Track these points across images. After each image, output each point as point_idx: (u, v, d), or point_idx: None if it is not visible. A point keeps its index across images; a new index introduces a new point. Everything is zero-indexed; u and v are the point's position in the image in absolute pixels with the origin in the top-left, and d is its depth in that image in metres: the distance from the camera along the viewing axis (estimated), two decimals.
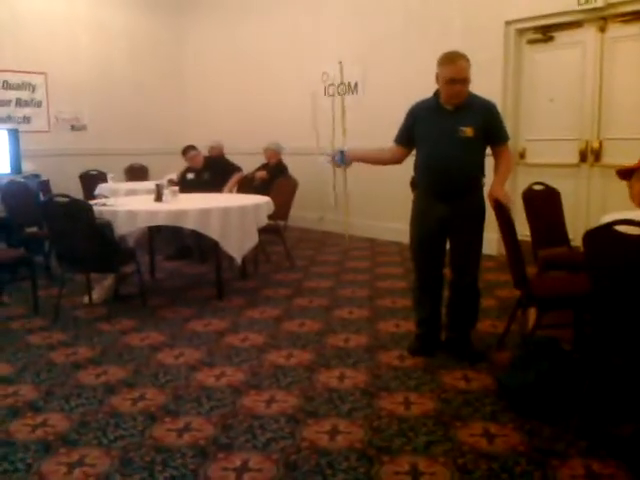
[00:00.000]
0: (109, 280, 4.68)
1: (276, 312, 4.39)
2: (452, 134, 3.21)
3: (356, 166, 3.81)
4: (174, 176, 6.60)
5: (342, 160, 3.56)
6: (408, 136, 3.37)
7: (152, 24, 9.48)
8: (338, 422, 2.67)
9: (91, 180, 7.42)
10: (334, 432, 2.58)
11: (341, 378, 3.18)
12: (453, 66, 3.14)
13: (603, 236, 2.33)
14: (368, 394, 2.97)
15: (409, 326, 3.85)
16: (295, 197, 5.98)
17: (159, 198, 4.86)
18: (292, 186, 5.94)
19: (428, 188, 3.32)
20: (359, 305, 4.52)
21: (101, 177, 7.37)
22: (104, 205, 4.57)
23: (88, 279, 4.54)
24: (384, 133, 3.57)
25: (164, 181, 5.78)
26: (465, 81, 3.17)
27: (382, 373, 3.23)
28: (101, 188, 6.61)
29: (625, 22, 5.28)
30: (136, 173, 8.54)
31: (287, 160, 7.14)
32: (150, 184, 6.18)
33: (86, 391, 3.06)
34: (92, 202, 4.57)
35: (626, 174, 2.87)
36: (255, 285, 5.20)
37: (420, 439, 2.52)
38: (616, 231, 2.29)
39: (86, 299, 4.59)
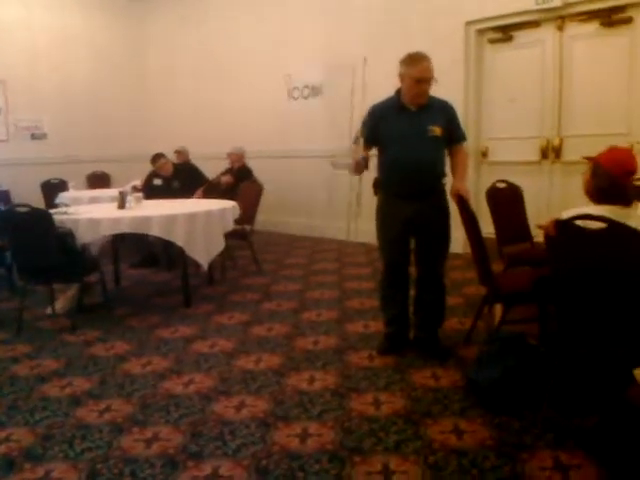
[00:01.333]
0: (73, 290, 4.58)
1: (244, 317, 4.36)
2: (421, 134, 3.24)
3: (322, 168, 3.81)
4: (138, 182, 6.51)
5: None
6: (374, 137, 3.37)
7: (113, 29, 9.36)
8: (309, 425, 2.66)
9: (52, 189, 7.27)
10: (305, 435, 2.57)
11: (311, 380, 3.17)
12: (420, 66, 3.18)
13: (564, 231, 2.37)
14: (338, 395, 2.97)
15: (378, 326, 3.86)
16: (261, 201, 5.95)
17: (122, 205, 4.79)
18: (257, 190, 5.91)
19: (396, 188, 3.32)
20: (327, 307, 4.51)
21: (62, 186, 7.23)
22: (65, 214, 4.48)
23: (51, 290, 4.44)
24: (348, 135, 3.57)
25: (128, 188, 5.69)
26: (430, 81, 3.21)
27: (352, 374, 3.23)
28: (62, 197, 6.48)
29: (582, 21, 5.39)
30: (99, 181, 8.39)
31: (252, 164, 7.11)
32: (113, 191, 6.08)
33: (51, 404, 2.99)
34: (53, 211, 4.47)
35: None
36: (223, 291, 5.16)
37: (391, 438, 2.52)
38: (575, 225, 2.33)
39: (49, 310, 4.49)
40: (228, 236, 4.97)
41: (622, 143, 5.04)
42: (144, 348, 3.78)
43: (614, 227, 2.19)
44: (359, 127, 3.42)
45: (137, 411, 2.88)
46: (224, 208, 4.83)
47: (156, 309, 4.66)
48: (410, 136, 3.25)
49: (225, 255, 5.48)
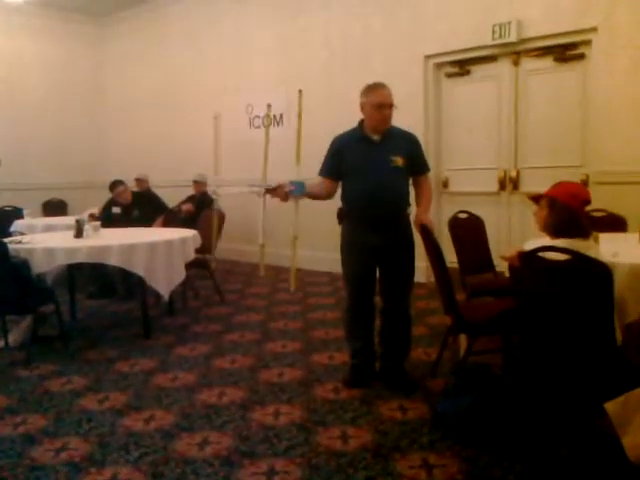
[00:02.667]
0: (26, 321, 4.41)
1: (206, 349, 4.26)
2: (383, 164, 3.26)
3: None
4: (95, 210, 6.37)
5: (302, 191, 3.33)
6: (338, 169, 3.37)
7: (70, 54, 9.26)
8: (275, 461, 2.59)
9: (6, 216, 7.05)
10: (271, 473, 2.50)
11: (276, 415, 3.10)
12: (380, 92, 3.25)
13: (527, 262, 2.40)
14: (305, 430, 2.90)
15: (343, 357, 3.82)
16: (223, 229, 5.89)
17: (79, 234, 4.66)
18: (219, 218, 5.85)
19: (360, 219, 3.32)
20: (292, 338, 4.46)
21: (16, 213, 7.03)
22: (20, 243, 4.33)
23: (3, 321, 4.27)
24: (310, 165, 3.56)
25: (85, 216, 5.56)
26: (392, 106, 3.27)
27: (318, 407, 3.17)
28: (17, 225, 6.29)
29: (537, 56, 5.57)
30: (54, 208, 8.20)
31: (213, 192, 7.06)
32: (70, 219, 5.92)
33: (3, 443, 2.84)
34: (7, 240, 4.32)
35: (537, 199, 2.98)
36: (184, 321, 5.05)
37: (360, 474, 2.47)
38: (539, 257, 2.36)
39: (2, 343, 4.31)
40: (189, 265, 4.89)
41: (576, 175, 5.22)
42: (102, 383, 3.64)
43: (578, 259, 2.23)
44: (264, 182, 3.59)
45: (95, 450, 2.75)
46: (185, 237, 4.75)
47: (114, 341, 4.52)
48: (373, 166, 3.27)
49: (186, 285, 5.38)
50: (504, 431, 2.68)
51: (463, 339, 3.57)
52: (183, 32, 8.56)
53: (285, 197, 3.30)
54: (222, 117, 8.05)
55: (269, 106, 4.80)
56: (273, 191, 3.32)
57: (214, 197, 5.42)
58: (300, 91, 3.82)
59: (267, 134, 4.17)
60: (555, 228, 2.59)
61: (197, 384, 3.57)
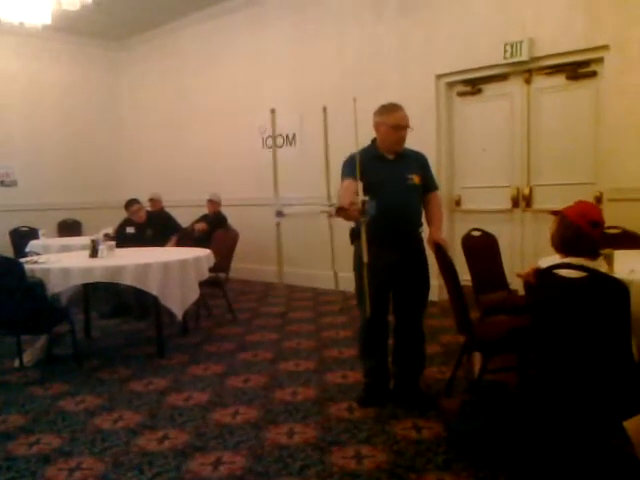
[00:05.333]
0: (41, 341, 4.44)
1: (220, 368, 4.26)
2: (402, 182, 3.29)
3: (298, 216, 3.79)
4: (110, 230, 6.41)
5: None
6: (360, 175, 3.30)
7: (86, 78, 9.41)
8: None
9: (22, 237, 7.14)
10: None
11: (290, 434, 3.08)
12: (397, 114, 3.29)
13: (544, 279, 2.39)
14: (319, 449, 2.88)
15: (357, 376, 3.80)
16: (236, 249, 5.91)
17: (94, 254, 4.70)
18: (232, 238, 5.88)
19: (377, 237, 3.29)
20: (305, 357, 4.44)
21: (32, 233, 7.10)
22: (36, 263, 4.38)
23: (19, 341, 4.29)
24: (322, 185, 3.57)
25: (100, 236, 5.60)
26: (407, 128, 3.30)
27: (332, 426, 3.15)
28: (32, 245, 6.35)
29: (549, 74, 5.59)
30: (70, 228, 8.28)
31: (228, 211, 7.10)
32: (85, 239, 5.98)
33: (18, 462, 2.84)
34: (23, 260, 4.37)
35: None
36: (197, 341, 5.05)
37: None
38: (555, 274, 2.35)
39: (17, 362, 4.32)
40: (202, 284, 4.90)
41: (589, 192, 5.20)
42: (115, 402, 3.65)
43: (596, 276, 2.21)
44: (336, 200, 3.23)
45: (109, 470, 2.75)
46: (199, 256, 4.78)
47: (128, 360, 4.53)
48: (391, 185, 3.28)
49: (200, 304, 5.40)
50: (520, 451, 2.65)
51: (477, 357, 3.54)
52: (198, 54, 8.68)
53: (358, 216, 2.99)
54: (235, 138, 8.12)
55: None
56: (344, 211, 2.97)
57: (278, 218, 5.06)
58: (325, 109, 3.83)
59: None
60: (561, 245, 2.59)
61: (211, 403, 3.57)
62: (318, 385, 3.81)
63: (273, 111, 5.74)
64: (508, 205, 5.92)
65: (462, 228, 4.83)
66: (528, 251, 5.68)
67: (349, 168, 3.27)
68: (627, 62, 4.96)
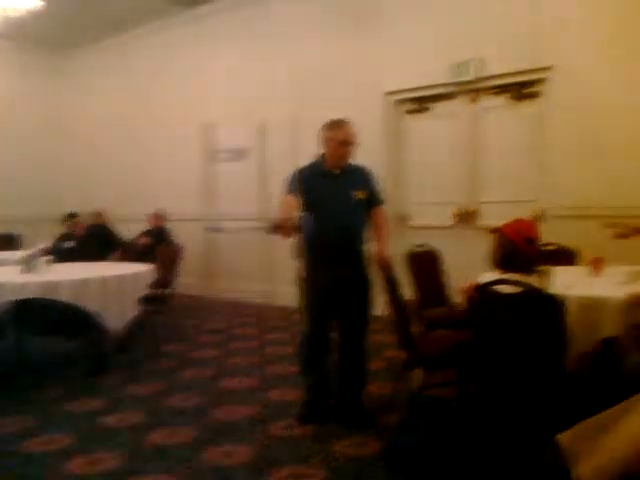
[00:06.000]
0: None
1: (159, 386, 4.13)
2: (346, 198, 3.28)
3: (245, 231, 3.74)
4: (47, 244, 6.19)
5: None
6: (301, 193, 3.22)
7: (28, 86, 9.13)
8: None
9: None
10: None
11: (228, 454, 3.00)
12: (344, 129, 3.29)
13: (482, 295, 2.40)
14: (256, 470, 2.81)
15: (298, 393, 3.74)
16: (180, 264, 5.79)
17: (29, 269, 4.52)
18: (176, 252, 5.75)
19: (322, 252, 3.28)
20: (248, 374, 4.36)
21: None
22: None
23: None
24: (262, 200, 3.53)
25: (36, 250, 5.39)
26: (354, 144, 3.30)
27: (271, 445, 3.08)
28: None
29: (494, 94, 5.72)
30: (5, 242, 7.95)
31: (172, 226, 6.98)
32: (21, 253, 5.75)
33: None
34: None
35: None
36: (137, 358, 4.89)
37: None
38: (493, 290, 2.36)
39: None
40: (144, 301, 4.76)
41: (532, 209, 5.32)
42: (46, 423, 3.48)
43: (532, 291, 2.24)
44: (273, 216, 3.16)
45: None
46: (138, 272, 4.65)
47: (61, 380, 4.35)
48: (336, 200, 3.27)
49: (141, 320, 5.24)
50: (458, 465, 2.64)
51: (419, 373, 3.54)
52: (143, 68, 8.56)
53: (292, 234, 2.98)
54: (180, 152, 8.00)
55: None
56: (281, 228, 2.89)
57: (212, 233, 4.88)
58: (264, 125, 3.81)
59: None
60: (499, 261, 2.63)
61: (147, 424, 3.44)
62: (259, 403, 3.74)
63: (211, 125, 5.70)
64: (454, 221, 5.99)
65: (410, 244, 4.84)
66: (473, 267, 5.72)
67: (292, 184, 3.25)
68: (569, 83, 5.11)
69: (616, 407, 1.96)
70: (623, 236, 2.35)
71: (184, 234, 6.87)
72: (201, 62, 7.85)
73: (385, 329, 5.31)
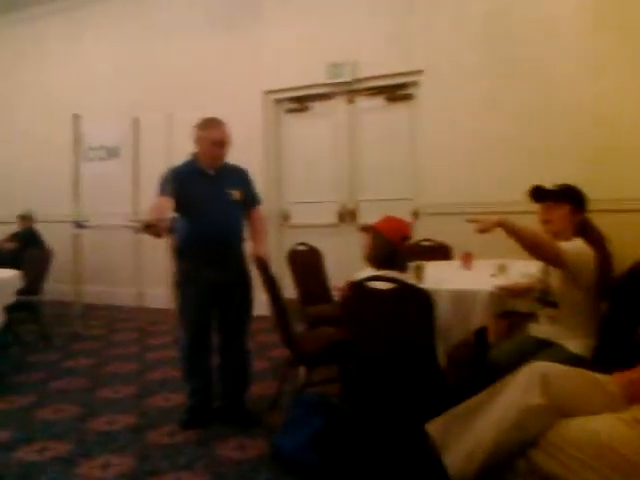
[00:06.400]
0: None
1: (28, 400, 3.85)
2: (222, 198, 3.21)
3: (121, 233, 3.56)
4: None
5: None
6: (175, 193, 3.12)
7: None
8: None
9: None
10: None
11: (105, 467, 2.84)
12: (219, 129, 3.21)
13: (357, 291, 2.44)
14: None
15: (181, 398, 3.64)
16: (49, 268, 5.43)
17: None
18: (45, 257, 5.40)
19: (198, 253, 3.20)
20: (125, 382, 4.18)
21: None
22: None
23: None
24: (149, 198, 3.37)
25: None
26: (229, 144, 3.24)
27: (151, 454, 2.96)
28: None
29: (371, 95, 5.88)
30: None
31: (42, 229, 6.55)
32: None
33: None
34: None
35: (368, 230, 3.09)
36: (1, 371, 4.53)
37: None
38: (367, 286, 2.41)
39: None
40: (11, 309, 4.42)
41: (408, 207, 5.54)
42: None
43: (403, 287, 2.31)
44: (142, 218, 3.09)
45: None
46: (3, 278, 4.32)
47: None
48: (212, 200, 3.20)
49: (6, 330, 4.86)
50: (344, 461, 2.67)
51: (303, 371, 3.56)
52: (10, 58, 7.98)
53: (164, 234, 2.85)
54: (50, 147, 7.53)
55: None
56: (152, 227, 2.78)
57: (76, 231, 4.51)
58: (135, 120, 3.65)
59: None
60: (376, 259, 2.69)
61: (14, 440, 3.19)
62: (138, 411, 3.59)
63: (82, 121, 5.39)
64: (335, 220, 6.10)
65: (290, 243, 4.86)
66: (354, 264, 5.85)
67: (165, 184, 3.13)
68: (438, 86, 5.37)
69: (481, 394, 2.06)
70: (484, 230, 2.49)
71: (54, 237, 6.47)
72: (72, 55, 7.44)
73: (271, 329, 5.32)
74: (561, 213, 2.68)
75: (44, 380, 4.28)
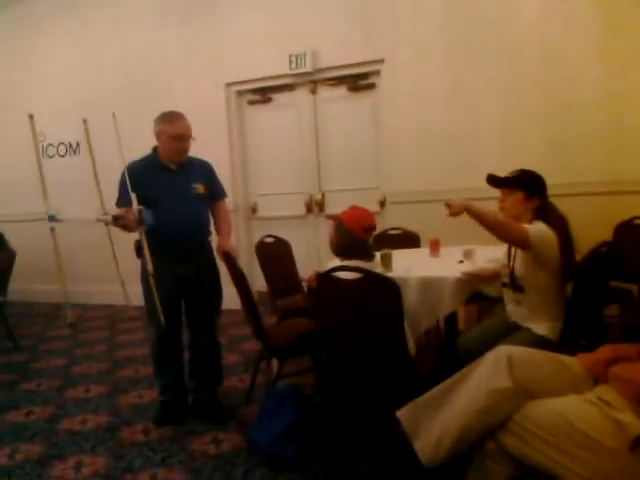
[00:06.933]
0: None
1: None
2: (186, 192, 3.19)
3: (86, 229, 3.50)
4: None
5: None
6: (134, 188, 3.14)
7: None
8: None
9: None
10: None
11: (78, 467, 2.83)
12: (179, 123, 3.16)
13: (323, 282, 2.46)
14: None
15: (154, 395, 3.63)
16: (15, 268, 5.33)
17: None
18: (8, 257, 5.29)
19: (163, 249, 3.15)
20: (96, 381, 4.14)
21: None
22: None
23: None
24: (110, 195, 3.32)
25: None
26: (190, 138, 3.19)
27: (125, 452, 2.96)
28: None
29: (332, 85, 5.87)
30: None
31: (3, 228, 6.40)
32: None
33: None
34: None
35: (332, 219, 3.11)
36: None
37: None
38: (334, 277, 2.43)
39: None
40: None
41: (374, 196, 5.57)
42: None
43: (370, 277, 2.33)
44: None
45: None
46: None
47: None
48: (174, 195, 3.17)
49: None
50: (317, 452, 2.71)
51: (276, 363, 3.57)
52: None
53: (135, 226, 2.91)
54: (11, 145, 7.36)
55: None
56: (121, 219, 2.93)
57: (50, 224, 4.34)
58: (85, 120, 3.59)
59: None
60: (338, 249, 2.71)
61: None
62: (110, 409, 3.57)
63: (39, 117, 5.25)
64: (302, 211, 6.10)
65: (259, 235, 4.84)
66: (323, 255, 5.89)
67: (123, 190, 3.08)
68: (399, 75, 5.38)
69: (448, 380, 2.10)
70: (455, 214, 2.53)
71: (18, 237, 6.33)
72: (25, 51, 7.24)
73: (243, 322, 5.32)
74: (515, 199, 2.73)
75: (12, 382, 4.21)
